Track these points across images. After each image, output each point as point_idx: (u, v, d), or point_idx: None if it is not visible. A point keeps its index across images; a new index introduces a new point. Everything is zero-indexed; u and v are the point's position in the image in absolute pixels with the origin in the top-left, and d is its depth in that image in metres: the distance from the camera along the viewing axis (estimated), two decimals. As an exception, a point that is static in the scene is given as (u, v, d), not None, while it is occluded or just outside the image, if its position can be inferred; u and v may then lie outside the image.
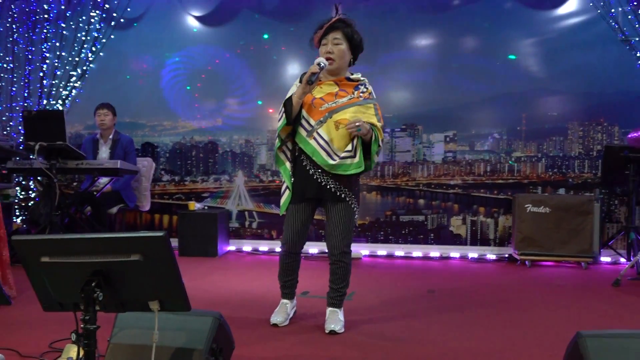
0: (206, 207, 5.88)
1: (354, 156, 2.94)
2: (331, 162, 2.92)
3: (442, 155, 5.71)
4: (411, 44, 5.72)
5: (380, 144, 2.99)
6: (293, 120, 2.99)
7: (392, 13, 5.68)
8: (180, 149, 6.14)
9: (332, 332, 2.97)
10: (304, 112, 2.99)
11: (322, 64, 2.89)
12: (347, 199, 3.01)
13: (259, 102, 5.95)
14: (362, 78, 3.09)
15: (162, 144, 6.17)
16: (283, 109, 2.99)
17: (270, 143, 5.95)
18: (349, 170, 2.95)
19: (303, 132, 2.98)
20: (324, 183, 2.98)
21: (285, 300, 3.24)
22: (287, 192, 3.11)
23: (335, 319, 3.04)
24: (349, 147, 2.92)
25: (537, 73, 5.50)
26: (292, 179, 3.10)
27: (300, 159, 3.04)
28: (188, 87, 6.07)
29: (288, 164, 3.12)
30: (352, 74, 3.08)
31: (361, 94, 3.01)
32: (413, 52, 5.71)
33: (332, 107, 2.94)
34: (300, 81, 2.97)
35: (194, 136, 6.13)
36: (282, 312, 3.19)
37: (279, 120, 3.02)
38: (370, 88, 3.06)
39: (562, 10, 5.43)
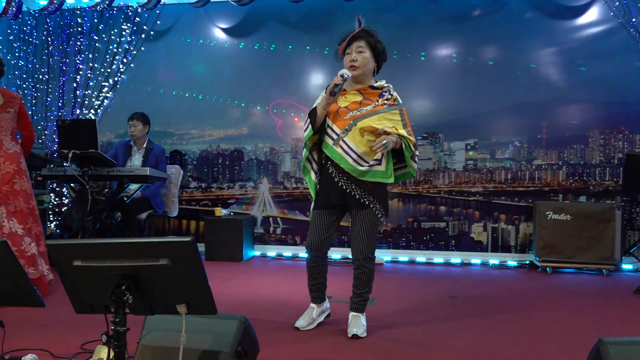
0: (232, 213, 5.91)
1: (380, 164, 2.95)
2: (360, 168, 2.93)
3: (463, 163, 5.66)
4: (432, 54, 5.69)
5: (413, 149, 2.98)
6: (318, 130, 3.00)
7: (413, 23, 5.67)
8: (207, 157, 6.19)
9: (355, 337, 2.97)
10: (329, 121, 3.00)
11: (346, 76, 2.90)
12: (372, 206, 3.00)
13: (284, 111, 5.97)
14: (386, 85, 3.09)
15: (189, 152, 6.22)
16: (308, 120, 3.01)
17: (294, 151, 5.97)
18: (375, 177, 2.96)
19: (329, 141, 3.00)
20: (348, 190, 2.99)
21: (313, 305, 3.25)
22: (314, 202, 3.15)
23: (357, 324, 3.04)
24: (378, 156, 2.92)
25: (558, 82, 5.43)
26: (318, 187, 3.13)
27: (327, 166, 3.06)
28: (215, 97, 6.12)
29: (313, 175, 3.14)
30: (376, 82, 3.09)
31: (385, 101, 3.02)
32: (434, 62, 5.68)
33: (357, 115, 2.95)
34: (325, 92, 2.98)
35: (220, 144, 6.17)
36: (307, 316, 3.21)
37: (305, 130, 3.04)
38: (395, 94, 3.07)
39: (583, 19, 5.35)
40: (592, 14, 5.35)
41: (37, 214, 3.99)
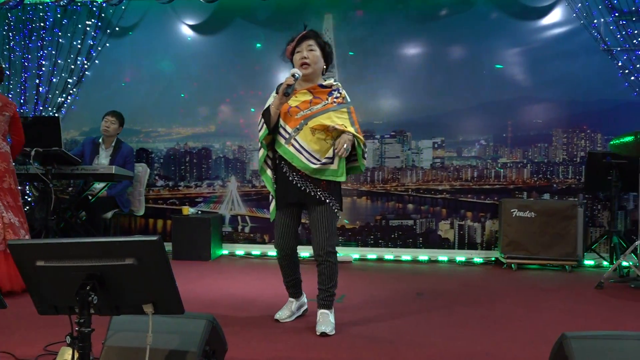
0: (199, 212, 5.87)
1: (332, 163, 3.02)
2: (312, 166, 2.99)
3: (431, 161, 5.72)
4: (400, 53, 5.74)
5: (363, 147, 3.07)
6: (272, 129, 3.06)
7: (381, 23, 5.70)
8: (174, 155, 6.13)
9: (323, 334, 2.98)
10: (281, 121, 3.08)
11: (297, 75, 2.99)
12: (328, 201, 3.06)
13: (252, 110, 5.94)
14: (335, 83, 3.16)
15: (156, 150, 6.15)
16: (262, 120, 3.06)
17: (263, 149, 5.94)
18: (327, 176, 3.02)
19: (282, 140, 3.06)
20: (303, 188, 3.05)
21: (291, 299, 3.34)
22: (274, 200, 3.19)
23: (326, 321, 3.05)
24: (330, 154, 2.97)
25: (523, 82, 5.53)
26: (275, 186, 3.17)
27: (280, 165, 3.12)
28: (182, 95, 6.05)
29: (269, 172, 3.20)
30: (325, 81, 3.14)
31: (335, 99, 3.09)
32: (402, 61, 5.73)
33: (307, 114, 3.03)
34: (277, 92, 3.05)
35: (187, 142, 6.11)
36: (286, 309, 3.30)
37: (260, 130, 3.12)
38: (343, 92, 3.15)
39: (547, 20, 5.47)
40: (555, 15, 5.46)
41: (23, 213, 4.16)
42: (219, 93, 6.01)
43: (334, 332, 3.03)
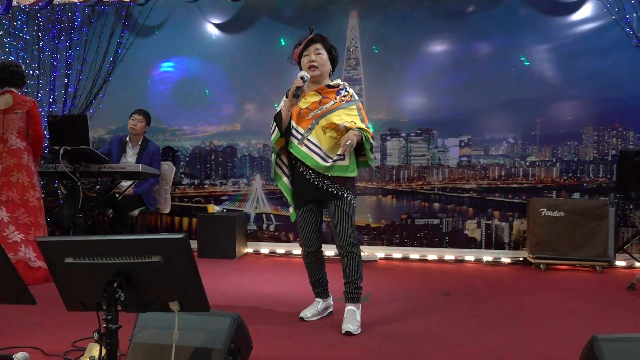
0: (225, 210, 5.91)
1: (344, 159, 3.10)
2: (324, 164, 3.09)
3: (457, 160, 5.67)
4: (426, 50, 5.70)
5: (372, 141, 3.14)
6: (284, 132, 3.16)
7: (407, 20, 5.66)
8: (199, 153, 6.18)
9: (348, 334, 2.98)
10: (293, 123, 3.18)
11: (305, 77, 3.10)
12: (345, 195, 3.14)
13: (276, 106, 5.94)
14: (341, 83, 3.27)
15: (182, 148, 6.21)
16: (274, 123, 3.15)
17: (288, 147, 5.96)
18: (338, 172, 3.10)
19: (295, 141, 3.16)
20: (320, 185, 3.14)
21: (318, 299, 3.38)
22: (291, 206, 3.32)
23: (352, 320, 3.07)
24: (341, 151, 3.06)
25: (552, 78, 5.44)
26: (292, 187, 3.27)
27: (297, 166, 3.22)
28: (207, 93, 6.10)
29: (285, 179, 3.28)
30: (332, 81, 3.26)
31: (343, 98, 3.20)
32: (428, 58, 5.69)
33: (318, 114, 3.13)
34: (286, 96, 3.16)
35: (213, 140, 6.16)
36: (312, 308, 3.34)
37: (272, 133, 3.22)
38: (351, 91, 3.28)
39: (577, 16, 5.37)
40: (586, 10, 5.36)
41: (33, 206, 4.29)
42: (244, 91, 6.04)
43: (359, 332, 3.03)
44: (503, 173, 5.59)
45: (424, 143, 5.72)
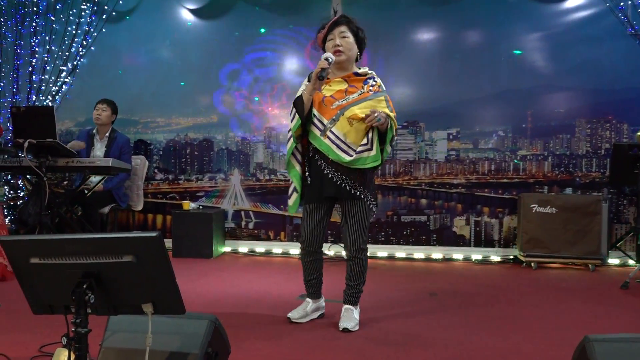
0: (201, 207, 5.89)
1: (371, 149, 3.03)
2: (348, 158, 3.01)
3: (445, 154, 5.71)
4: (413, 38, 5.72)
5: (395, 133, 3.09)
6: (306, 118, 3.08)
7: (392, 6, 5.68)
8: (174, 147, 6.14)
9: (345, 330, 3.07)
10: (315, 112, 3.08)
11: (330, 59, 2.98)
12: (363, 197, 3.11)
13: (256, 99, 5.95)
14: (370, 72, 3.17)
15: (155, 142, 6.17)
16: (294, 109, 3.05)
17: (267, 141, 5.96)
18: (366, 163, 3.04)
19: (317, 132, 3.07)
20: (339, 182, 3.07)
21: (308, 299, 3.36)
22: (295, 194, 3.22)
23: (349, 317, 3.15)
24: (365, 141, 2.99)
25: (543, 69, 5.50)
26: (309, 179, 3.19)
27: (315, 158, 3.13)
28: (182, 83, 6.06)
29: (298, 167, 3.20)
30: (359, 69, 3.16)
31: (371, 88, 3.11)
32: (415, 47, 5.71)
33: (343, 104, 3.03)
34: (309, 80, 3.07)
35: (188, 133, 6.13)
36: (301, 309, 3.32)
37: (292, 120, 3.12)
38: (379, 81, 3.17)
39: (569, 3, 5.42)
40: (579, -2, 5.42)
41: None
42: (221, 81, 6.01)
43: (357, 328, 3.11)
44: (493, 167, 5.64)
45: (410, 136, 5.75)
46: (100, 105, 5.29)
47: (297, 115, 3.07)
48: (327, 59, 2.96)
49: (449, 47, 5.64)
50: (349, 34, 3.08)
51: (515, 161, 5.60)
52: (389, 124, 3.01)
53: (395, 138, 3.17)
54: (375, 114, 2.88)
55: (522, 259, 5.15)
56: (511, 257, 5.43)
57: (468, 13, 5.58)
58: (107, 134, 5.33)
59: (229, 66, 5.97)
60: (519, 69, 5.51)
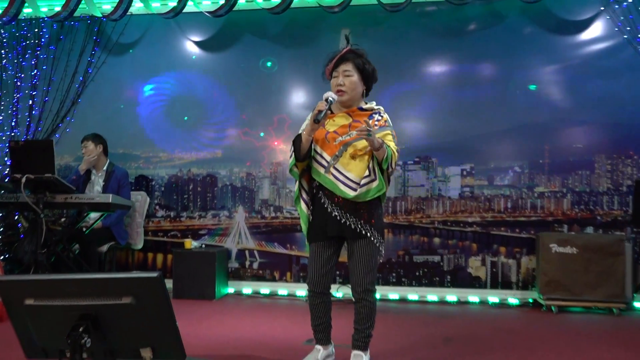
0: (203, 246, 5.87)
1: (375, 178, 3.01)
2: (352, 193, 3.00)
3: (459, 190, 5.70)
4: (424, 71, 5.77)
5: (393, 165, 3.05)
6: (304, 157, 3.07)
7: (403, 39, 5.75)
8: (176, 183, 6.17)
9: None
10: (317, 148, 3.09)
11: (331, 99, 2.99)
12: (369, 235, 3.07)
13: (262, 135, 5.98)
14: (376, 107, 3.17)
15: (157, 177, 6.20)
16: (292, 147, 3.06)
17: (274, 177, 5.98)
18: (370, 195, 3.01)
19: (320, 169, 3.08)
20: (343, 220, 3.05)
21: (318, 347, 3.29)
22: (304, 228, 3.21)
23: None
24: (367, 172, 2.99)
25: (560, 102, 5.52)
26: (311, 218, 3.19)
27: (318, 196, 3.13)
28: (186, 118, 6.12)
29: (304, 205, 3.19)
30: (365, 103, 3.17)
31: (376, 122, 3.08)
32: (426, 80, 5.76)
33: (347, 140, 3.02)
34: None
35: (191, 169, 6.16)
36: (311, 357, 3.25)
37: (290, 157, 3.09)
38: (385, 116, 3.15)
39: (586, 35, 5.47)
40: (596, 29, 5.47)
41: None
42: (226, 115, 6.06)
43: None
44: (509, 205, 5.61)
45: (422, 172, 5.75)
46: (84, 142, 5.33)
47: (294, 154, 3.08)
48: (327, 99, 2.98)
49: (462, 79, 5.68)
50: (353, 72, 3.08)
51: (533, 198, 5.57)
52: (386, 155, 2.96)
53: (393, 171, 3.13)
54: (366, 128, 2.83)
55: (542, 302, 5.08)
56: (530, 300, 5.36)
57: (481, 45, 5.64)
58: (105, 168, 5.36)
59: (234, 99, 6.03)
60: (535, 102, 5.53)
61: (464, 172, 5.70)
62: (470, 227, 5.66)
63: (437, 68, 5.79)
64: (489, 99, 5.61)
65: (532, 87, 5.54)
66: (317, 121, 2.92)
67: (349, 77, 3.07)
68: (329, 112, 3.04)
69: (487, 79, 5.67)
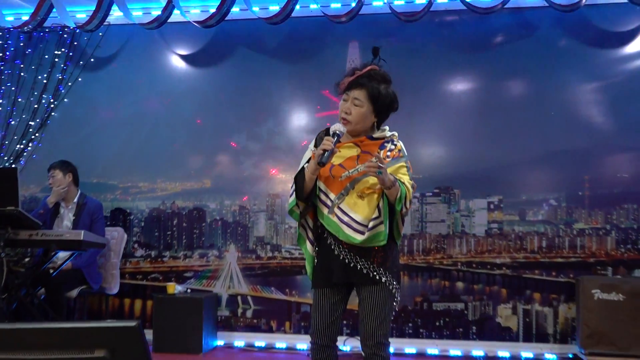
0: (189, 290, 5.85)
1: (384, 221, 2.96)
2: (359, 237, 2.94)
3: (485, 227, 5.68)
4: (444, 90, 5.80)
5: (408, 205, 3.00)
6: (307, 198, 3.05)
7: (421, 52, 5.79)
8: (158, 217, 6.17)
9: None
10: (321, 184, 3.06)
11: (338, 132, 2.94)
12: (383, 279, 3.03)
13: (257, 160, 6.00)
14: (389, 134, 3.12)
15: (136, 210, 6.20)
16: (294, 185, 3.04)
17: (271, 210, 5.97)
18: (380, 239, 2.96)
19: (324, 209, 3.05)
20: (352, 264, 3.02)
21: None
22: (293, 196, 3.09)
23: None
24: (376, 213, 2.93)
25: (602, 125, 5.53)
26: (316, 261, 3.16)
27: (324, 236, 3.11)
28: (170, 143, 6.14)
29: (309, 246, 3.17)
30: (377, 131, 3.14)
31: (388, 153, 3.04)
32: (447, 100, 5.78)
33: (354, 175, 2.96)
34: (316, 145, 3.06)
35: (175, 201, 6.16)
36: None
37: (290, 196, 3.08)
38: (399, 144, 3.09)
39: (631, 48, 5.51)
40: (641, 42, 5.52)
41: None
42: (216, 140, 6.09)
43: None
44: (544, 244, 5.59)
45: (443, 205, 5.75)
46: (51, 172, 5.34)
47: (294, 193, 3.05)
48: (334, 134, 2.93)
49: (489, 99, 5.71)
50: (364, 103, 3.01)
51: (572, 236, 5.55)
52: (399, 194, 2.91)
53: (407, 212, 3.06)
54: (376, 164, 2.76)
55: (584, 357, 5.04)
56: (570, 355, 5.32)
57: (510, 60, 5.66)
58: (75, 200, 5.36)
59: (226, 122, 6.06)
60: (573, 125, 5.54)
61: (491, 206, 5.70)
62: (498, 270, 5.63)
63: (459, 86, 5.81)
64: (519, 122, 5.63)
65: (570, 106, 5.55)
66: (321, 164, 2.89)
67: (357, 107, 3.00)
68: (337, 150, 2.99)
69: (517, 98, 5.69)
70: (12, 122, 6.22)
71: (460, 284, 5.69)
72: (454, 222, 5.74)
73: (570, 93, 5.58)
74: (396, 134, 3.17)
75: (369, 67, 3.10)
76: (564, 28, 5.61)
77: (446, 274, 5.71)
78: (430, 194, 5.75)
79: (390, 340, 3.18)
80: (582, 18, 5.53)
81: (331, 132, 2.97)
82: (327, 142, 2.89)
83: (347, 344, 5.37)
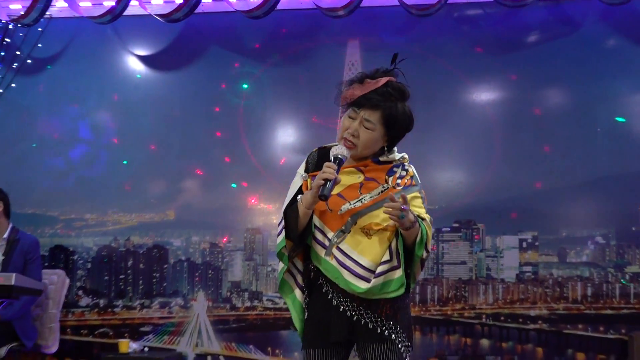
0: (146, 349, 5.80)
1: (398, 266, 2.91)
2: (364, 286, 2.88)
3: (517, 270, 5.67)
4: (466, 100, 5.81)
5: (429, 248, 2.94)
6: (301, 238, 2.96)
7: (434, 53, 5.78)
8: (108, 257, 6.13)
9: None
10: (316, 220, 2.98)
11: (341, 158, 2.86)
12: (393, 336, 2.98)
13: (233, 186, 5.98)
14: (398, 156, 3.07)
15: (81, 249, 6.16)
16: (282, 221, 2.98)
17: (249, 249, 5.94)
18: (391, 289, 2.89)
19: (319, 250, 2.98)
20: (355, 317, 2.95)
21: None
22: (283, 234, 2.97)
23: None
24: (387, 256, 2.88)
25: (660, 145, 5.55)
26: (307, 314, 3.09)
27: (319, 283, 3.03)
28: (125, 162, 6.12)
29: (298, 293, 3.11)
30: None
31: (399, 180, 3.00)
32: (467, 112, 5.79)
33: (357, 207, 2.92)
34: (306, 170, 3.00)
35: (131, 237, 6.13)
36: None
37: (278, 234, 3.01)
38: (411, 169, 3.03)
39: (695, 50, 5.55)
40: None
41: None
42: (182, 161, 6.07)
43: None
44: (589, 292, 5.58)
45: (463, 243, 5.73)
46: None
47: (284, 231, 2.96)
48: (336, 159, 2.87)
49: (519, 113, 5.71)
50: (377, 126, 2.90)
51: (623, 282, 5.54)
52: (421, 235, 2.84)
53: (428, 256, 2.99)
54: (402, 206, 2.65)
55: None
56: None
57: (546, 63, 5.67)
58: (6, 236, 5.31)
59: (194, 137, 6.04)
60: (624, 144, 5.54)
61: (524, 244, 5.69)
62: (533, 324, 5.61)
63: (483, 96, 5.81)
64: (557, 140, 5.63)
65: (620, 119, 5.57)
66: (323, 197, 2.81)
67: (368, 130, 2.93)
68: (340, 179, 2.91)
69: (555, 111, 5.70)
70: None
71: (485, 342, 5.66)
72: (477, 264, 5.73)
73: (620, 104, 5.59)
74: (406, 156, 3.11)
75: (385, 80, 3.02)
76: (611, 24, 5.63)
77: (468, 329, 5.68)
78: (448, 229, 5.73)
79: (401, 413, 3.15)
80: (634, 12, 5.55)
81: (331, 156, 2.89)
82: (329, 170, 2.77)
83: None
